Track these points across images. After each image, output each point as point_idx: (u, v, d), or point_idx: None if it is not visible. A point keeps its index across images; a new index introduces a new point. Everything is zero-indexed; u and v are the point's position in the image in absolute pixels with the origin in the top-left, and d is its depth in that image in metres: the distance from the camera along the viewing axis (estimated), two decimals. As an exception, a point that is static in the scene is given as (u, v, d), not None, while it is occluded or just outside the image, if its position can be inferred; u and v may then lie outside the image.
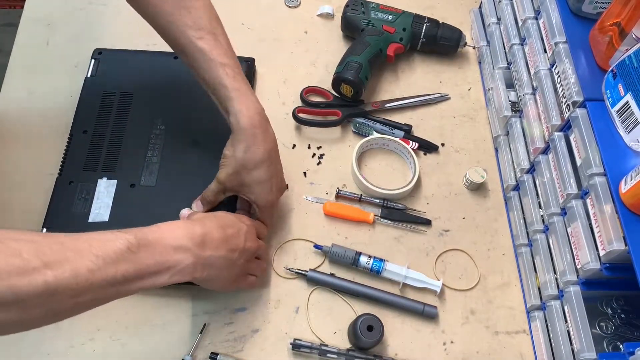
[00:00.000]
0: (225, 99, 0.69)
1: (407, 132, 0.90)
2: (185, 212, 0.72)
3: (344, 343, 0.74)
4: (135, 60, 0.89)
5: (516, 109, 0.84)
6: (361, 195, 0.84)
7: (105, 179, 0.78)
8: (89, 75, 0.87)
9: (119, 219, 0.75)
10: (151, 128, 0.82)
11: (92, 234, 0.54)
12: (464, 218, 0.84)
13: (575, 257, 0.66)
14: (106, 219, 0.75)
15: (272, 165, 0.71)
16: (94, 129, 0.82)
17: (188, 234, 0.60)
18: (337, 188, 0.84)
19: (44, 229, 0.74)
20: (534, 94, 0.79)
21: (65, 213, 0.76)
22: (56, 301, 0.49)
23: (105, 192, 0.77)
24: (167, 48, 0.89)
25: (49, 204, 0.76)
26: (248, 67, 0.90)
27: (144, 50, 0.91)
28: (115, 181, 0.78)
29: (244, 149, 0.69)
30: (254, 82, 0.92)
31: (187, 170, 0.80)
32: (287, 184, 0.81)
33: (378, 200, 0.83)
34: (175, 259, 0.58)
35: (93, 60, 0.88)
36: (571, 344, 0.65)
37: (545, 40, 0.77)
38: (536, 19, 0.80)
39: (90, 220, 0.75)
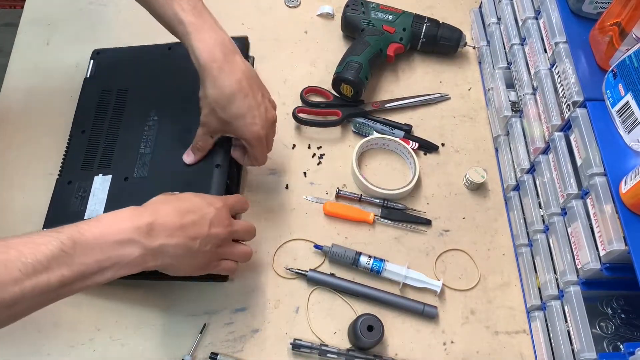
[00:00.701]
0: (182, 36, 0.65)
1: (407, 132, 0.90)
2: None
3: (344, 343, 0.74)
4: (130, 57, 0.88)
5: (516, 109, 0.84)
6: (361, 195, 0.84)
7: (100, 175, 0.78)
8: (87, 76, 0.87)
9: None
10: (145, 120, 0.81)
11: (25, 237, 0.50)
12: (464, 218, 0.84)
13: (576, 257, 0.66)
14: (101, 213, 0.74)
15: (247, 97, 0.67)
16: (91, 129, 0.82)
17: (133, 224, 0.56)
18: (337, 188, 0.84)
19: (44, 228, 0.74)
20: (534, 94, 0.79)
21: (63, 213, 0.75)
22: None
23: (100, 188, 0.77)
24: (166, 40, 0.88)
25: (49, 205, 0.76)
26: (241, 46, 0.82)
27: (139, 46, 0.90)
28: (109, 177, 0.77)
29: (211, 86, 0.66)
30: (248, 60, 0.88)
31: (179, 158, 0.77)
32: (275, 114, 0.75)
33: (378, 200, 0.83)
34: (119, 254, 0.54)
35: (92, 61, 0.88)
36: (571, 344, 0.65)
37: (545, 40, 0.77)
38: (536, 19, 0.80)
39: (85, 217, 0.75)
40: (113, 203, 0.75)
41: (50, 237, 0.51)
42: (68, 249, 0.51)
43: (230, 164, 0.77)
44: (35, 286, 0.49)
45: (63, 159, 0.80)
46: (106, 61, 0.88)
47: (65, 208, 0.76)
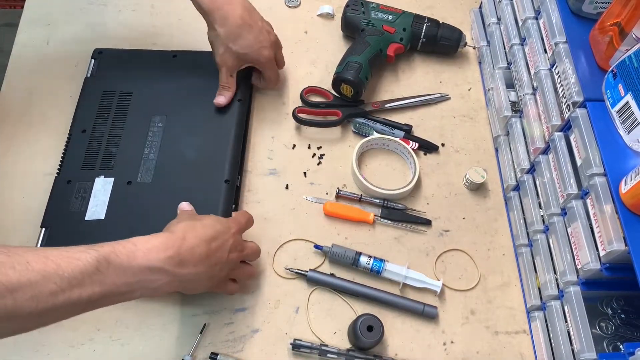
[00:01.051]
0: None
1: (407, 132, 0.90)
2: (184, 205, 0.71)
3: (344, 343, 0.74)
4: (134, 60, 0.89)
5: (516, 109, 0.84)
6: (361, 195, 0.84)
7: (102, 177, 0.78)
8: (88, 75, 0.87)
9: (115, 216, 0.76)
10: (149, 125, 0.82)
11: (62, 250, 0.52)
12: (464, 218, 0.84)
13: (576, 257, 0.66)
14: (102, 216, 0.76)
15: (252, 27, 0.79)
16: (92, 128, 0.82)
17: (166, 254, 0.58)
18: (337, 188, 0.84)
19: (43, 229, 0.74)
20: (534, 94, 0.79)
21: (62, 212, 0.76)
22: (16, 322, 0.49)
23: (102, 190, 0.77)
24: (167, 47, 0.89)
25: (47, 203, 0.76)
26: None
27: (143, 50, 0.91)
28: (112, 179, 0.78)
29: (220, 25, 0.77)
30: (252, 74, 0.90)
31: (183, 166, 0.80)
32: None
33: (378, 201, 0.83)
34: (149, 279, 0.57)
35: (93, 60, 0.89)
36: (571, 344, 0.65)
37: (545, 40, 0.77)
38: (536, 19, 0.80)
39: (87, 218, 0.75)
40: (115, 206, 0.77)
41: (87, 254, 0.53)
42: (103, 268, 0.53)
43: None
44: (67, 300, 0.51)
45: (62, 157, 0.80)
46: (108, 61, 0.89)
47: (64, 207, 0.76)
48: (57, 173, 0.79)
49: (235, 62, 0.82)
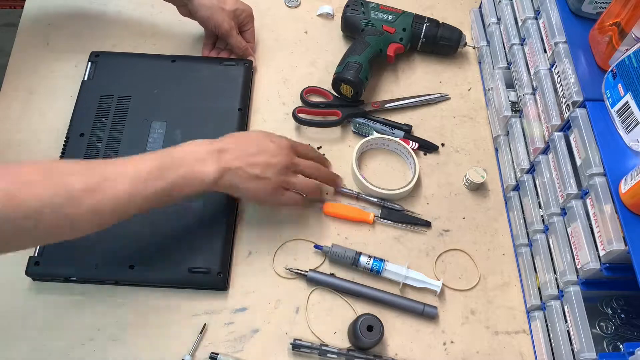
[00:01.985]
0: None
1: (407, 132, 0.90)
2: None
3: (344, 343, 0.74)
4: (133, 64, 0.89)
5: (516, 109, 0.85)
6: (359, 193, 0.84)
7: None
8: (85, 78, 0.87)
9: (119, 226, 0.72)
10: (149, 131, 0.82)
11: (126, 158, 0.63)
12: (464, 218, 0.84)
13: (575, 257, 0.66)
14: None
15: None
16: (91, 132, 0.82)
17: (207, 149, 0.68)
18: (337, 186, 0.84)
19: None
20: (534, 94, 0.79)
21: None
22: (101, 218, 0.60)
23: None
24: (167, 51, 0.89)
25: None
26: (246, 70, 0.90)
27: (141, 54, 0.90)
28: None
29: None
30: (253, 83, 0.92)
31: None
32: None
33: (376, 200, 0.83)
34: (199, 169, 0.66)
35: (90, 63, 0.88)
36: (571, 344, 0.65)
37: (545, 40, 0.77)
38: (536, 19, 0.80)
39: None
40: None
41: (147, 157, 0.64)
42: (163, 166, 0.64)
43: None
44: (138, 194, 0.62)
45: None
46: (106, 65, 0.88)
47: None
48: None
49: (233, 21, 0.88)
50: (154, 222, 0.76)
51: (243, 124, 0.86)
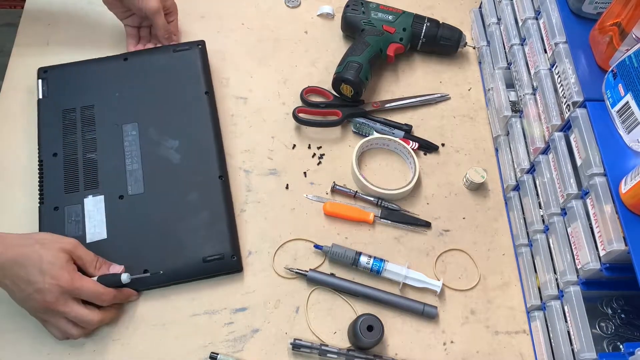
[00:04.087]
0: None
1: (407, 132, 0.90)
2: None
3: (344, 343, 0.74)
4: (85, 72, 0.86)
5: (516, 109, 0.84)
6: (356, 191, 0.84)
7: (90, 197, 0.76)
8: (40, 97, 0.84)
9: (118, 233, 0.75)
10: (122, 135, 0.81)
11: None
12: (464, 218, 0.84)
13: (575, 257, 0.66)
14: (105, 235, 0.74)
15: None
16: (63, 150, 0.79)
17: None
18: (333, 182, 0.84)
19: None
20: (534, 94, 0.79)
21: None
22: None
23: (94, 209, 0.75)
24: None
25: (39, 231, 0.74)
26: (201, 52, 0.88)
27: (90, 60, 0.87)
28: (101, 197, 0.76)
29: None
30: (209, 64, 0.90)
31: (172, 170, 0.79)
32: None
33: (373, 199, 0.83)
34: None
35: (40, 81, 0.85)
36: (571, 344, 0.65)
37: (545, 41, 0.77)
38: (536, 19, 0.80)
39: (88, 240, 0.74)
40: (115, 223, 0.75)
41: None
42: None
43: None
44: None
45: (39, 185, 0.77)
46: (58, 79, 0.85)
47: (60, 234, 0.72)
48: (40, 202, 0.76)
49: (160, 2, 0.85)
50: (156, 223, 0.76)
51: (213, 107, 0.85)
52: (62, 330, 0.67)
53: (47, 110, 0.83)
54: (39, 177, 0.78)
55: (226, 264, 0.75)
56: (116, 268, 0.71)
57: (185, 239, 0.75)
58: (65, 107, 0.83)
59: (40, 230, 0.74)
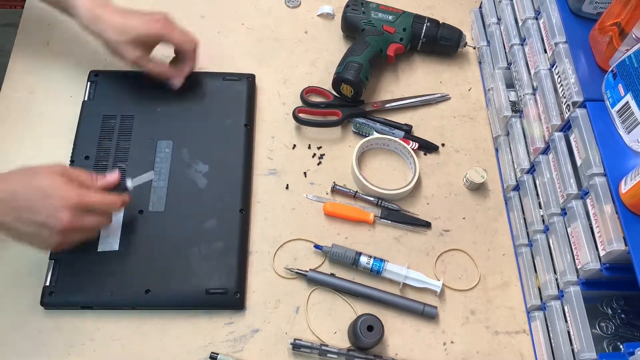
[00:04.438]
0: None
1: (407, 132, 0.90)
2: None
3: (344, 343, 0.74)
4: (132, 82, 0.86)
5: (516, 109, 0.84)
6: (356, 191, 0.84)
7: None
8: (85, 99, 0.85)
9: (130, 247, 0.74)
10: (155, 151, 0.81)
11: None
12: (464, 218, 0.84)
13: (575, 257, 0.66)
14: (116, 247, 0.74)
15: (133, 14, 0.79)
16: (95, 155, 0.80)
17: None
18: (333, 182, 0.84)
19: (52, 261, 0.72)
20: (534, 94, 0.79)
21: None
22: None
23: (112, 219, 0.74)
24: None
25: None
26: (249, 85, 0.89)
27: (139, 71, 0.85)
28: (122, 208, 0.75)
29: (105, 29, 0.77)
30: (255, 98, 0.90)
31: (195, 195, 0.79)
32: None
33: (373, 199, 0.83)
34: None
35: (89, 83, 0.86)
36: (571, 344, 0.65)
37: (545, 41, 0.77)
38: (536, 19, 0.80)
39: (99, 250, 0.73)
40: (129, 237, 0.75)
41: None
42: None
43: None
44: None
45: None
46: (106, 84, 0.86)
47: None
48: None
49: (139, 48, 0.79)
50: (169, 244, 0.75)
51: (249, 140, 0.85)
52: (86, 234, 0.69)
53: (89, 113, 0.83)
54: None
55: (228, 299, 0.73)
56: (113, 176, 0.72)
57: (194, 265, 0.74)
58: (106, 113, 0.83)
59: None
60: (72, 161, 0.80)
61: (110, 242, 0.74)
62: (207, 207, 0.78)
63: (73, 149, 0.81)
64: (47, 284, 0.71)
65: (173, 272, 0.73)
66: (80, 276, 0.72)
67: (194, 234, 0.76)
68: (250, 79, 0.89)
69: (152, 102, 0.85)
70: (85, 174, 0.70)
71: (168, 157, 0.81)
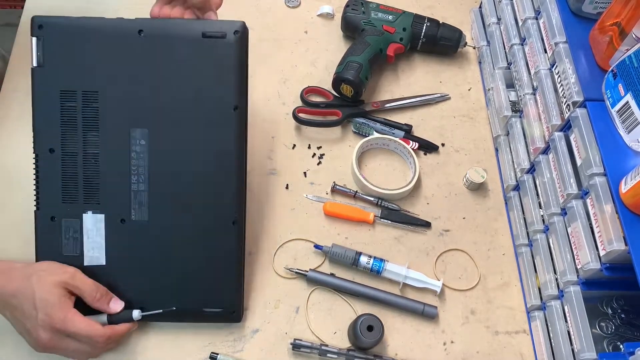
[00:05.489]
0: None
1: (407, 132, 0.90)
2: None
3: (344, 343, 0.74)
4: (90, 38, 0.67)
5: (516, 109, 0.84)
6: (356, 191, 0.84)
7: (90, 213, 0.67)
8: (35, 64, 0.66)
9: (117, 261, 0.68)
10: (129, 143, 0.67)
11: None
12: (464, 218, 0.84)
13: (576, 257, 0.66)
14: (103, 262, 0.68)
15: None
16: (61, 147, 0.67)
17: None
18: (333, 182, 0.84)
19: None
20: (534, 94, 0.79)
21: (57, 255, 0.67)
22: None
23: (94, 229, 0.68)
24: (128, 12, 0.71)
25: (35, 244, 0.69)
26: (238, 43, 0.68)
27: (97, 21, 0.68)
28: (102, 216, 0.67)
29: None
30: (247, 58, 0.71)
31: (181, 201, 0.68)
32: None
33: (373, 199, 0.83)
34: None
35: (35, 40, 0.66)
36: (571, 344, 0.65)
37: (545, 40, 0.77)
38: (536, 19, 0.80)
39: (86, 263, 0.68)
40: (114, 249, 0.68)
41: None
42: None
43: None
44: None
45: (35, 185, 0.68)
46: (56, 41, 0.67)
47: (57, 250, 0.68)
48: (36, 207, 0.68)
49: None
50: (158, 258, 0.69)
51: (241, 127, 0.68)
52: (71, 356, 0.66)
53: (42, 85, 0.66)
54: (35, 175, 0.68)
55: (224, 315, 0.70)
56: (117, 304, 0.67)
57: (191, 283, 0.69)
58: (64, 88, 0.66)
59: (37, 241, 0.69)
60: (36, 155, 0.67)
61: (97, 256, 0.68)
62: (197, 220, 0.68)
63: (35, 139, 0.67)
64: None
65: (165, 289, 0.69)
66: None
67: (183, 247, 0.69)
68: (238, 34, 0.67)
69: (117, 71, 0.66)
70: (91, 287, 0.66)
71: (145, 150, 0.66)
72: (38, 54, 0.66)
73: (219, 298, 0.70)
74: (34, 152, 0.68)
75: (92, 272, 0.67)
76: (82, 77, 0.67)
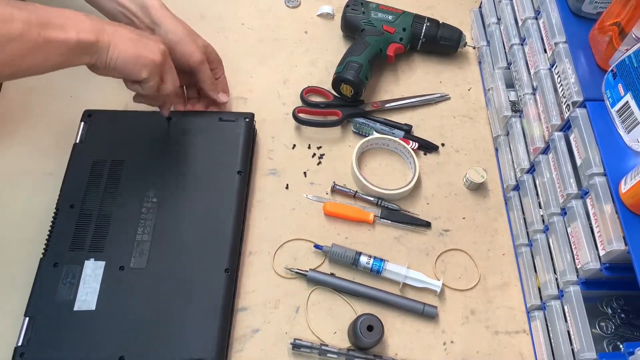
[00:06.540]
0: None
1: (407, 132, 0.90)
2: None
3: (344, 343, 0.74)
4: (126, 123, 0.82)
5: (516, 109, 0.85)
6: (356, 191, 0.84)
7: (92, 260, 0.71)
8: (77, 141, 0.79)
9: (107, 307, 0.69)
10: (142, 200, 0.75)
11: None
12: (464, 218, 0.84)
13: (575, 257, 0.66)
14: (93, 307, 0.68)
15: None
16: (81, 203, 0.74)
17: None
18: (333, 182, 0.84)
19: (26, 318, 0.68)
20: (534, 94, 0.79)
21: (48, 301, 0.69)
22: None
23: (92, 275, 0.70)
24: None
25: (32, 288, 0.69)
26: (246, 126, 0.82)
27: (135, 111, 0.82)
28: (103, 263, 0.71)
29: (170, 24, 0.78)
30: (255, 139, 0.86)
31: (179, 251, 0.73)
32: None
33: (373, 199, 0.83)
34: (81, 25, 0.66)
35: (82, 124, 0.80)
36: (571, 344, 0.65)
37: (545, 40, 0.77)
38: (536, 19, 0.80)
39: (75, 308, 0.68)
40: (107, 295, 0.69)
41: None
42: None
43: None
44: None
45: (48, 236, 0.73)
46: (99, 125, 0.81)
47: (50, 295, 0.69)
48: (43, 253, 0.71)
49: (204, 55, 0.80)
50: (147, 305, 0.70)
51: (242, 188, 0.78)
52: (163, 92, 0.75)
53: (79, 157, 0.78)
54: (50, 227, 0.73)
55: None
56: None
57: (172, 331, 0.68)
58: (96, 159, 0.78)
59: (34, 284, 0.69)
60: (56, 209, 0.74)
61: (88, 301, 0.69)
62: (192, 266, 0.72)
63: (59, 197, 0.75)
64: (20, 344, 0.66)
65: (150, 337, 0.68)
66: (54, 337, 0.67)
67: (174, 294, 0.70)
68: (247, 119, 0.83)
69: (144, 147, 0.80)
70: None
71: (155, 207, 0.75)
72: (82, 133, 0.80)
73: (201, 349, 0.67)
74: (55, 207, 0.74)
75: (79, 316, 0.68)
76: (114, 150, 0.79)
